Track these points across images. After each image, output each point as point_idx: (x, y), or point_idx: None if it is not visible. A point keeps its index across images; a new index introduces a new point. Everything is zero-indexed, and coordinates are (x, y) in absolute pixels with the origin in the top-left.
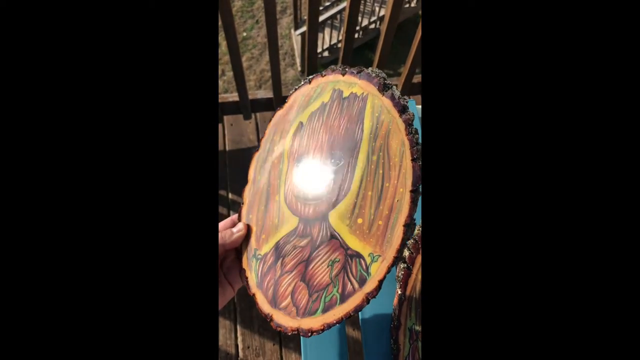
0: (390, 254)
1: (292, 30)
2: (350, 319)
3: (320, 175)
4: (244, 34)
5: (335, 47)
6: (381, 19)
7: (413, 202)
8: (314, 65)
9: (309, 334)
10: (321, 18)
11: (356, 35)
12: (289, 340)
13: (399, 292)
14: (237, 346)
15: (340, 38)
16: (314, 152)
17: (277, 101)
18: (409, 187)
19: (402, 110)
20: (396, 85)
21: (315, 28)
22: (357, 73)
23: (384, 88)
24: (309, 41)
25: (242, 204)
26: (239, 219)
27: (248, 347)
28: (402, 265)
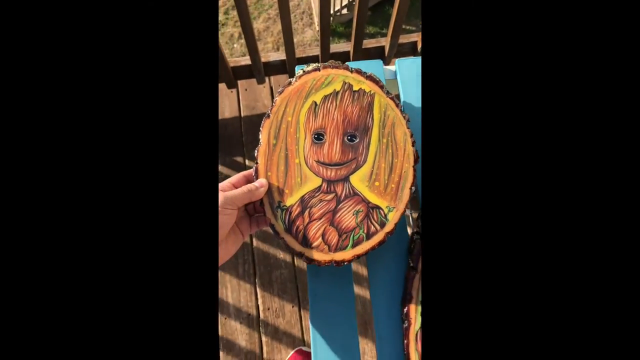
0: (402, 206)
1: None
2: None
3: (339, 147)
4: None
5: (354, 3)
6: None
7: (415, 173)
8: (326, 24)
9: (342, 263)
10: None
11: None
12: (307, 303)
13: (411, 265)
14: (257, 307)
15: None
16: (331, 128)
17: (290, 63)
18: (411, 163)
19: (402, 110)
20: (417, 42)
21: None
22: (363, 74)
23: (386, 91)
24: None
25: (257, 163)
26: (256, 176)
27: (268, 309)
28: (415, 237)
